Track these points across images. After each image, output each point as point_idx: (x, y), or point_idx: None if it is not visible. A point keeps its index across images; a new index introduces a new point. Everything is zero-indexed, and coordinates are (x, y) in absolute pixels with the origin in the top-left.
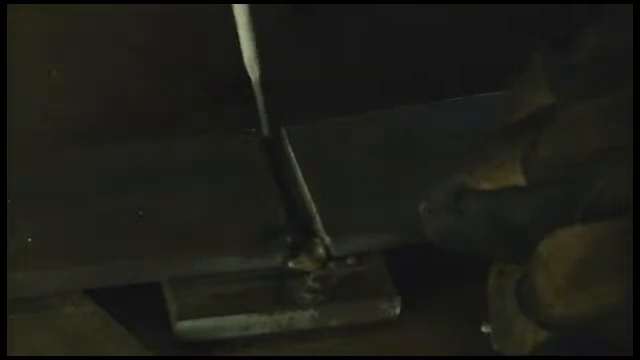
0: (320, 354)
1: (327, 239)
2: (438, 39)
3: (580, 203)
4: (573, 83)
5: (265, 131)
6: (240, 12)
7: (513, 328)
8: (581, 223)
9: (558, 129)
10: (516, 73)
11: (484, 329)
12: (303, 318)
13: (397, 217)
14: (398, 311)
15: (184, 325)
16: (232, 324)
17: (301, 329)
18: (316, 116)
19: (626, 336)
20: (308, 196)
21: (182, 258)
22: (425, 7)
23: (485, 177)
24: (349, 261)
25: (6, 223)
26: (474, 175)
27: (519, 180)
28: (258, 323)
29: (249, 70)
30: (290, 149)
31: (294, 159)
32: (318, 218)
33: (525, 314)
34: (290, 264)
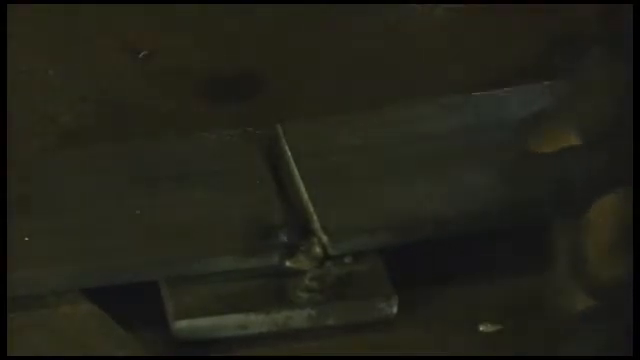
0: (317, 353)
1: (324, 238)
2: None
3: (627, 161)
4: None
5: (264, 130)
6: None
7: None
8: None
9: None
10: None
11: (482, 329)
12: (300, 317)
13: (395, 216)
14: (395, 310)
15: (182, 324)
16: (229, 323)
17: (298, 328)
18: (314, 115)
19: None
20: (306, 195)
21: (180, 257)
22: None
23: (546, 142)
24: (346, 260)
25: (6, 223)
26: (535, 140)
27: (575, 141)
28: (255, 322)
29: None
30: (288, 148)
31: (292, 158)
32: (316, 217)
33: (575, 280)
34: (287, 263)
